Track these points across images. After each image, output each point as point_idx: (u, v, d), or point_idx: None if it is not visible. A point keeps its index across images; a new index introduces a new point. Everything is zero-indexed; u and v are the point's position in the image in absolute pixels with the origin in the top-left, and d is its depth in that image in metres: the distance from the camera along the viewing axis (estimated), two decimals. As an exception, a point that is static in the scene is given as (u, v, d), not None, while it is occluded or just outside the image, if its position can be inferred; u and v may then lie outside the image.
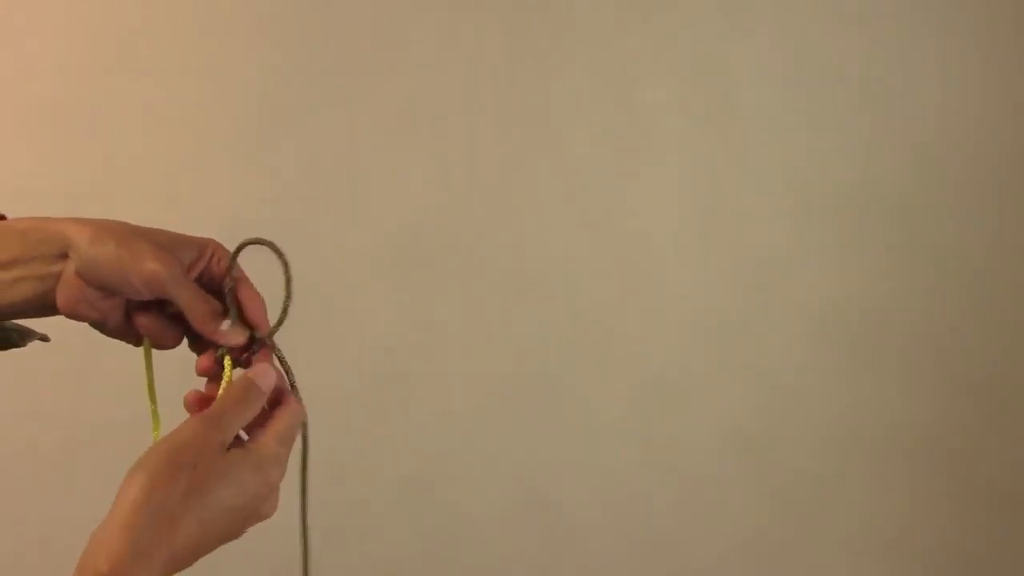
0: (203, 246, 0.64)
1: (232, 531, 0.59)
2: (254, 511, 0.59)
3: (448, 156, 1.54)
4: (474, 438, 1.57)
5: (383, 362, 1.54)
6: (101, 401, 1.46)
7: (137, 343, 0.66)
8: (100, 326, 0.64)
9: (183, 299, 0.61)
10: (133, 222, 0.63)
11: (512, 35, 1.55)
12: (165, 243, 0.62)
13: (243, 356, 0.63)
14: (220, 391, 0.62)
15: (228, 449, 0.58)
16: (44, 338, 0.70)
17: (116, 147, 1.45)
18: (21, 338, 0.68)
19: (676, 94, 1.59)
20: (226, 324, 0.62)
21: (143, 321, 0.64)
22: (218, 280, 0.64)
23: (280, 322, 0.65)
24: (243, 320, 0.64)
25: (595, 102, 1.57)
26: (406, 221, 1.54)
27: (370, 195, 1.52)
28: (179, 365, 0.73)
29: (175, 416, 0.65)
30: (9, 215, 0.65)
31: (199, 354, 0.64)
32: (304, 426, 0.65)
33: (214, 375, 0.63)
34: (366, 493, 1.54)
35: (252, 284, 0.66)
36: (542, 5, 1.55)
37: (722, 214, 1.61)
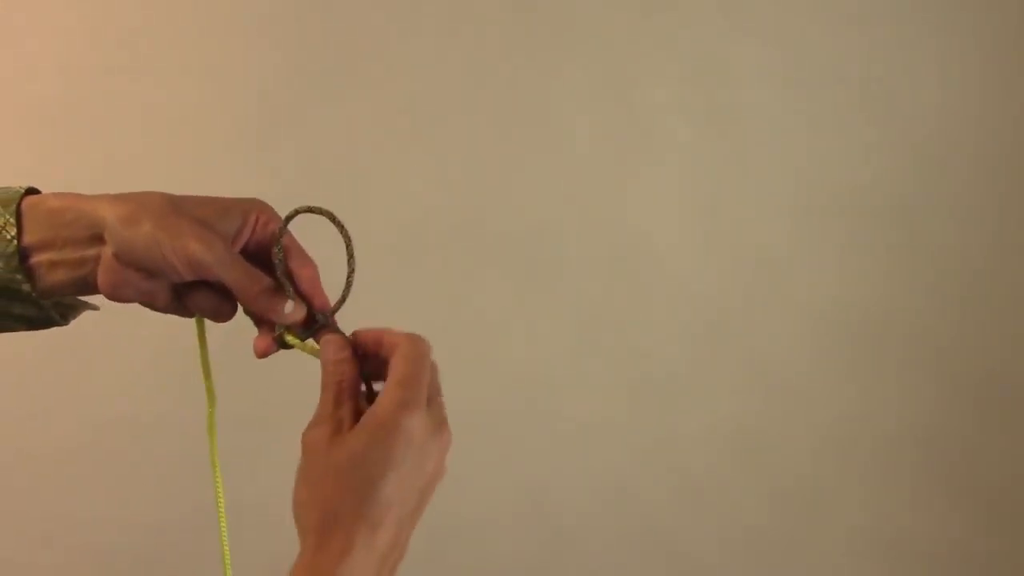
0: (247, 211, 0.60)
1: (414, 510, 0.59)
2: (422, 482, 0.59)
3: (447, 156, 1.54)
4: (472, 437, 1.57)
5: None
6: (101, 401, 1.46)
7: (190, 316, 0.62)
8: (149, 306, 0.60)
9: (231, 280, 0.57)
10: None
11: (512, 34, 1.55)
12: (207, 216, 0.57)
13: (303, 332, 0.60)
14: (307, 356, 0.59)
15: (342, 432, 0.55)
16: (93, 307, 0.65)
17: (116, 147, 1.45)
18: (63, 316, 0.62)
19: (676, 94, 1.59)
20: (288, 305, 0.59)
21: (195, 299, 0.60)
22: (267, 246, 0.60)
23: (343, 299, 0.61)
24: (298, 293, 0.60)
25: (595, 102, 1.57)
26: (405, 222, 1.54)
27: (370, 195, 1.52)
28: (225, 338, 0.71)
29: (227, 391, 0.62)
30: None
31: (257, 324, 0.61)
32: None
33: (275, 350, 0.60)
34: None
35: (304, 251, 0.62)
36: (542, 4, 1.55)
37: (722, 214, 1.61)
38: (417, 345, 0.60)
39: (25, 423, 1.45)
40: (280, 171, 1.49)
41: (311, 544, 0.52)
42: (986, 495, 1.68)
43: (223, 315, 0.61)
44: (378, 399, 0.56)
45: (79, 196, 0.58)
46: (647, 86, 1.59)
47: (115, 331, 1.41)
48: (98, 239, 0.57)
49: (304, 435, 0.55)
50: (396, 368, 0.57)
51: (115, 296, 0.58)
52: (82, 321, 0.65)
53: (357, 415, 0.56)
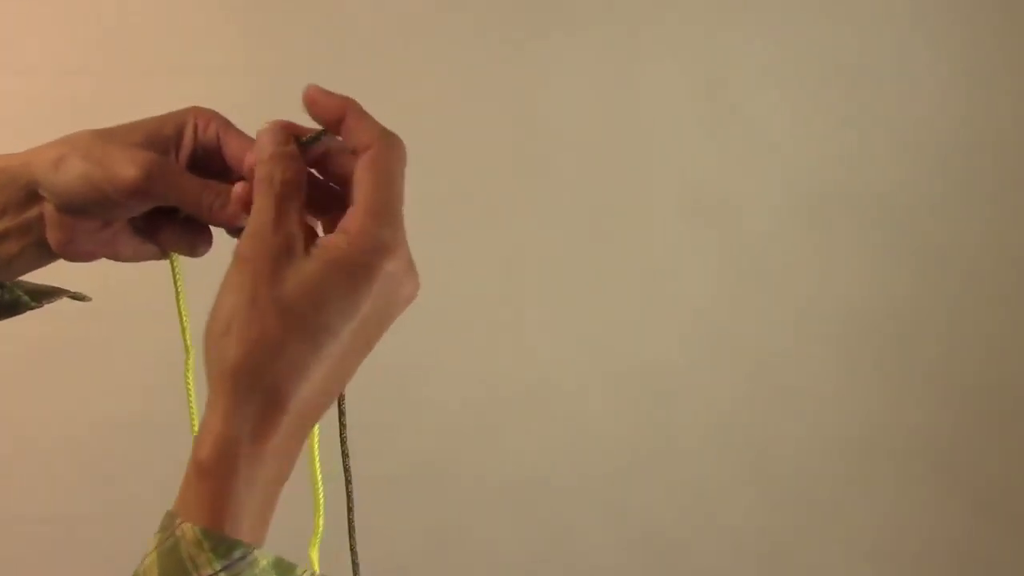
0: (182, 120, 0.53)
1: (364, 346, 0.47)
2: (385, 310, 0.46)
3: (446, 157, 1.54)
4: (469, 436, 1.57)
5: (382, 361, 1.53)
6: (101, 401, 1.46)
7: (164, 257, 0.55)
8: (115, 257, 0.54)
9: (179, 196, 0.50)
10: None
11: (512, 34, 1.55)
12: (139, 138, 0.52)
13: None
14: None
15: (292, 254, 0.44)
16: (82, 297, 0.59)
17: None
18: (35, 299, 0.57)
19: (676, 93, 1.59)
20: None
21: (162, 236, 0.54)
22: (214, 152, 0.53)
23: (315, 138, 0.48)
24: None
25: (595, 101, 1.57)
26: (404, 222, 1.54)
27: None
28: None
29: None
30: None
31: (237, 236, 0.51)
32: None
33: None
34: (363, 491, 1.54)
35: (239, 132, 0.53)
36: (541, 4, 1.55)
37: (722, 213, 1.61)
38: (393, 152, 0.49)
39: (25, 423, 1.45)
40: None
41: (223, 407, 0.43)
42: (989, 497, 1.68)
43: (198, 246, 0.54)
44: (346, 226, 0.45)
45: (5, 156, 0.53)
46: (647, 85, 1.59)
47: (115, 332, 1.41)
48: (36, 197, 0.52)
49: (240, 247, 0.45)
50: (368, 187, 0.46)
51: (74, 255, 0.52)
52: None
53: (310, 235, 0.46)
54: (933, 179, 1.65)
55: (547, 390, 1.58)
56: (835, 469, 1.65)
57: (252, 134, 0.53)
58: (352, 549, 0.52)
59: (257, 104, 1.48)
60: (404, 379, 1.54)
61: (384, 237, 0.45)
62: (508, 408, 1.57)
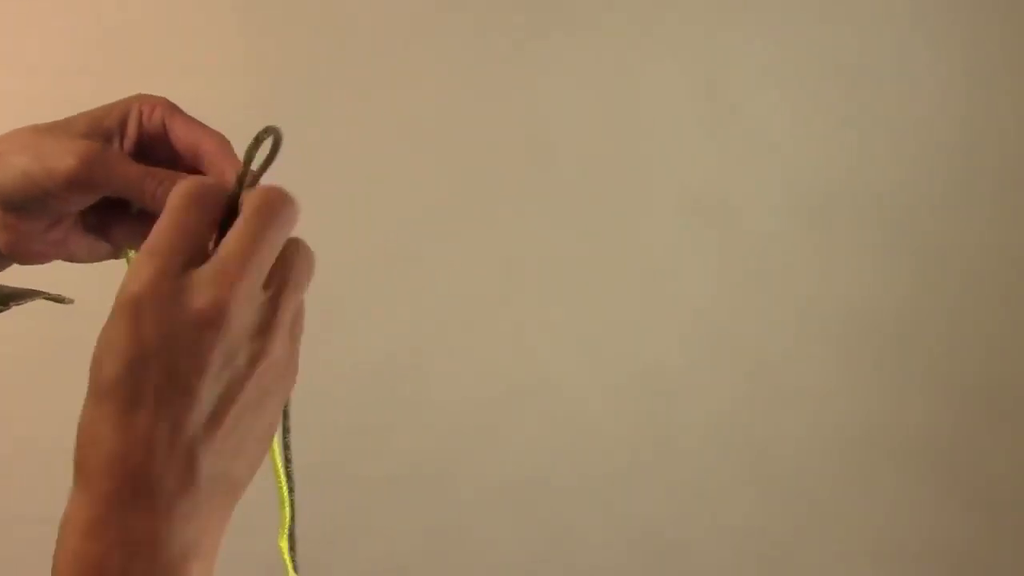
0: (125, 108, 0.50)
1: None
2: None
3: (446, 157, 1.54)
4: (469, 436, 1.57)
5: (380, 361, 1.54)
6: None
7: (120, 256, 0.53)
8: (71, 258, 0.52)
9: (124, 185, 0.47)
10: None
11: (511, 34, 1.55)
12: (80, 129, 0.49)
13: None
14: None
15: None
16: (59, 299, 0.55)
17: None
18: (2, 301, 0.53)
19: (676, 93, 1.59)
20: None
21: (115, 233, 0.51)
22: (160, 139, 0.50)
23: (268, 161, 0.46)
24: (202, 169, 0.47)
25: (594, 101, 1.57)
26: (404, 221, 1.54)
27: (369, 194, 1.52)
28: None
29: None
30: None
31: None
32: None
33: None
34: (363, 491, 1.54)
35: (198, 122, 0.51)
36: (540, 4, 1.55)
37: (722, 213, 1.61)
38: (266, 206, 0.42)
39: (25, 422, 1.45)
40: (281, 171, 1.49)
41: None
42: (990, 498, 1.68)
43: None
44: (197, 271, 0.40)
45: None
46: (647, 85, 1.59)
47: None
48: None
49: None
50: (234, 231, 0.42)
51: (24, 256, 0.50)
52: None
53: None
54: (933, 179, 1.65)
55: (547, 390, 1.58)
56: (835, 469, 1.65)
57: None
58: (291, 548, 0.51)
59: (258, 104, 1.48)
60: (404, 379, 1.54)
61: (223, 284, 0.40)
62: (508, 408, 1.57)
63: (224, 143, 0.52)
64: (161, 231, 0.40)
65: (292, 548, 0.52)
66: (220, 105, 1.48)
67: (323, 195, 1.51)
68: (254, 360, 0.40)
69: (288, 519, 0.51)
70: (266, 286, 0.42)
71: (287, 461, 0.51)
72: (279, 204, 0.43)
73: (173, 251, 0.40)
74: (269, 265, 0.41)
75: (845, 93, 1.63)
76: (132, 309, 0.39)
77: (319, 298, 1.66)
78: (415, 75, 1.53)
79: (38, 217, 0.49)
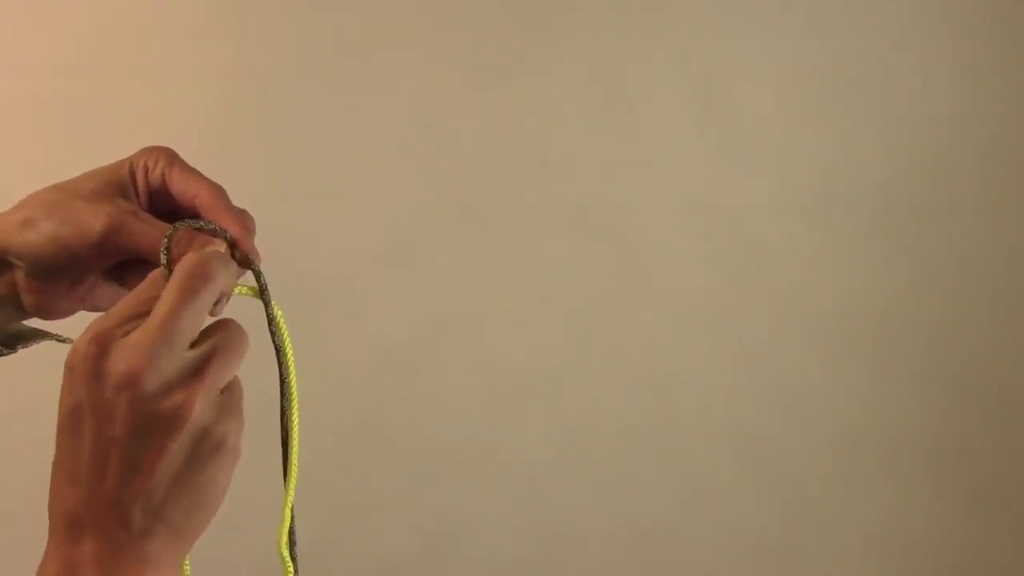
0: (133, 163, 0.52)
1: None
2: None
3: (445, 155, 1.54)
4: (472, 437, 1.57)
5: (380, 360, 1.54)
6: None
7: None
8: (95, 310, 0.53)
9: (131, 241, 0.49)
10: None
11: (510, 34, 1.55)
12: (100, 187, 0.50)
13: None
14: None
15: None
16: (60, 339, 0.57)
17: (116, 147, 1.45)
18: (7, 344, 0.55)
19: (676, 93, 1.59)
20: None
21: (133, 282, 0.51)
22: (164, 192, 0.52)
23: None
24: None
25: (594, 100, 1.57)
26: (404, 221, 1.54)
27: (370, 194, 1.52)
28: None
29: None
30: None
31: None
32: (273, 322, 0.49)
33: None
34: (363, 491, 1.54)
35: (194, 174, 0.52)
36: (540, 4, 1.55)
37: (723, 214, 1.61)
38: (184, 274, 0.44)
39: (25, 422, 1.45)
40: (281, 169, 1.49)
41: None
42: (998, 501, 1.68)
43: None
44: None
45: None
46: (646, 84, 1.59)
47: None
48: (5, 265, 0.50)
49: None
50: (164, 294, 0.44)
51: (53, 315, 0.52)
52: (81, 321, 0.64)
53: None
54: (923, 179, 1.65)
55: (547, 390, 1.58)
56: (834, 468, 1.65)
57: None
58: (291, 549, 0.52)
59: (256, 104, 1.48)
60: (403, 379, 1.54)
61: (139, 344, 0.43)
62: (508, 408, 1.57)
63: (219, 194, 0.51)
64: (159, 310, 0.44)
65: (293, 547, 0.52)
66: (221, 105, 1.48)
67: (323, 195, 1.51)
68: (176, 416, 0.42)
69: (289, 519, 0.52)
70: (194, 345, 0.44)
71: (286, 460, 0.52)
72: (197, 270, 0.44)
73: (122, 319, 0.44)
74: (191, 327, 0.44)
75: (838, 94, 1.63)
76: (66, 370, 0.43)
77: (320, 298, 1.67)
78: (414, 76, 1.53)
79: (66, 278, 0.50)
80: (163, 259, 0.47)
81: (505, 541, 1.58)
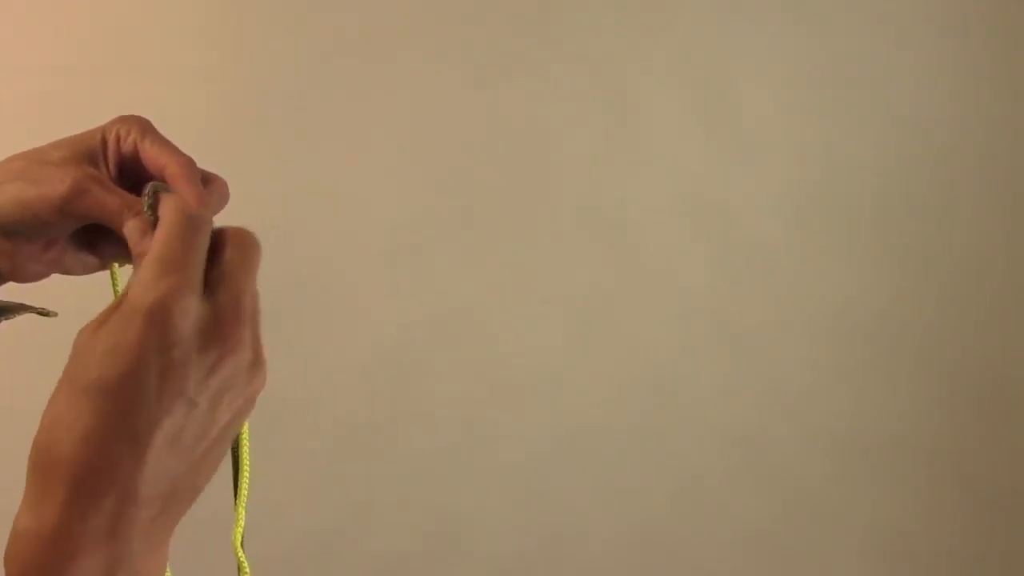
0: (105, 131, 0.52)
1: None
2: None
3: (445, 155, 1.54)
4: (472, 436, 1.57)
5: (380, 359, 1.54)
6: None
7: (105, 268, 0.55)
8: (66, 273, 0.54)
9: (94, 208, 0.49)
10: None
11: (510, 35, 1.55)
12: (67, 153, 0.51)
13: None
14: None
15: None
16: (44, 312, 0.56)
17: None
18: None
19: (676, 93, 1.59)
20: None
21: (105, 250, 0.53)
22: (136, 163, 0.52)
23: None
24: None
25: (593, 100, 1.58)
26: (404, 221, 1.54)
27: (369, 194, 1.52)
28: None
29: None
30: None
31: None
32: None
33: None
34: (363, 490, 1.54)
35: (166, 146, 0.51)
36: (540, 4, 1.55)
37: (723, 214, 1.61)
38: (180, 213, 0.45)
39: (25, 422, 1.45)
40: (280, 169, 1.49)
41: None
42: (993, 499, 1.69)
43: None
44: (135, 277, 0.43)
45: None
46: (646, 85, 1.59)
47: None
48: None
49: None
50: (154, 240, 0.44)
51: (22, 277, 0.52)
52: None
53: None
54: (920, 181, 1.65)
55: (547, 389, 1.58)
56: (832, 466, 1.65)
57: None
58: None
59: (256, 104, 1.48)
60: (403, 379, 1.54)
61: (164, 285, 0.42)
62: (508, 407, 1.57)
63: (189, 166, 0.51)
64: (172, 246, 0.43)
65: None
66: (221, 105, 1.48)
67: (323, 195, 1.51)
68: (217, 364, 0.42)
69: (241, 517, 0.51)
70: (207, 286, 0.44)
71: (235, 453, 0.52)
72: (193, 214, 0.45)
73: (192, 268, 0.43)
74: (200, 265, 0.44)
75: (837, 94, 1.63)
76: (153, 315, 0.41)
77: (320, 298, 1.67)
78: (413, 78, 1.53)
79: (34, 240, 0.51)
80: (146, 207, 0.47)
81: (505, 540, 1.58)
